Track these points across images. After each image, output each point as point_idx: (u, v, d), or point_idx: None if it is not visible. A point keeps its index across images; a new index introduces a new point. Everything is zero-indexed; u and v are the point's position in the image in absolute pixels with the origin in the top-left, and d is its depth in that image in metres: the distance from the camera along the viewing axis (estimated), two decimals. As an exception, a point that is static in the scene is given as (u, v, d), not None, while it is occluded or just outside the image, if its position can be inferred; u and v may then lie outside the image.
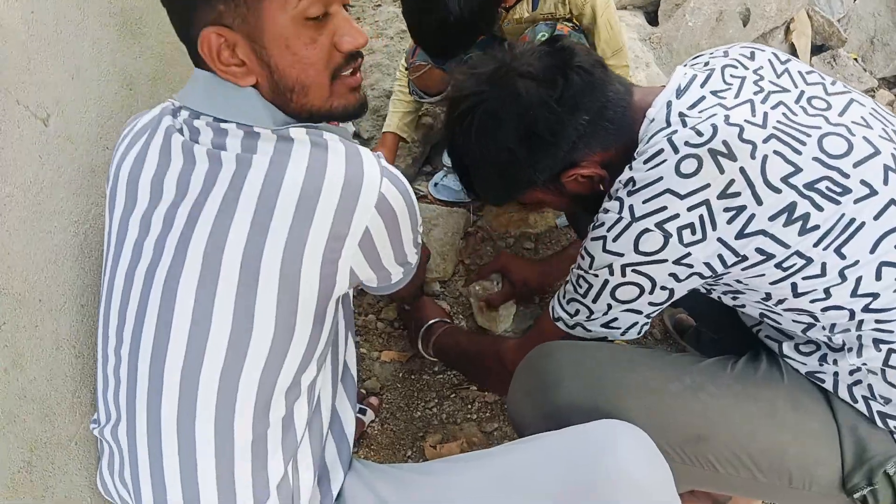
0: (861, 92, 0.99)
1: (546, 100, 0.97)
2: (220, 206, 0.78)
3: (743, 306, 1.00)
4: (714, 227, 0.86)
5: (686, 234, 0.87)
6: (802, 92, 0.94)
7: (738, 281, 0.92)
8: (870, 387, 0.89)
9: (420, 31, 1.36)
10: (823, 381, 0.93)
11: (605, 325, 1.03)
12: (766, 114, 0.89)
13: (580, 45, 1.05)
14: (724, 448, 0.93)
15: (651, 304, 0.97)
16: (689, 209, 0.86)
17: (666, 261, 0.90)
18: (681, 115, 0.93)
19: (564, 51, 1.01)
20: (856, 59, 2.49)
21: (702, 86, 0.96)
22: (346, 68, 0.86)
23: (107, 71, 1.16)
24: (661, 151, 0.90)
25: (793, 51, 2.27)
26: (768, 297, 0.91)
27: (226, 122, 0.82)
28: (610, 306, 0.99)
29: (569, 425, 0.91)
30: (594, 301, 0.99)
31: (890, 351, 0.86)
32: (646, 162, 0.91)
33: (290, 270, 0.77)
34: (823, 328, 0.90)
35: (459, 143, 1.08)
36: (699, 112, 0.92)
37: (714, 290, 1.00)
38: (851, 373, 0.90)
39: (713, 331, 1.47)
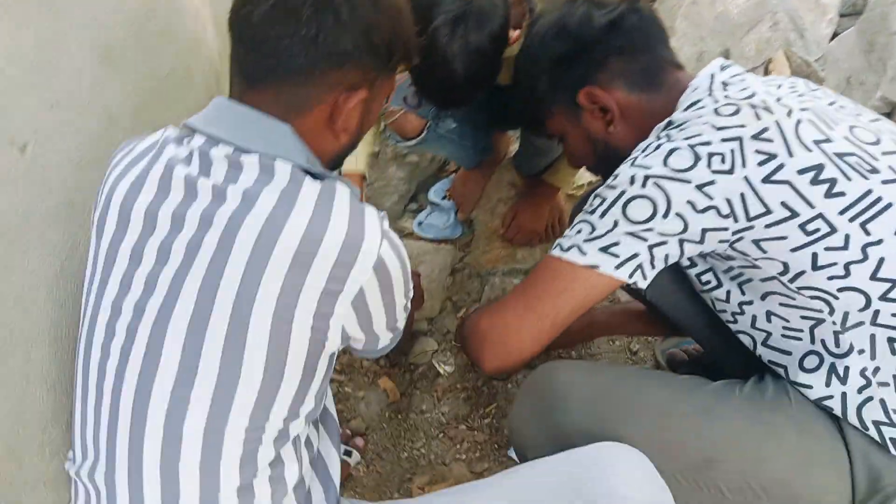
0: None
1: (591, 12, 1.07)
2: (217, 245, 0.75)
3: (750, 303, 0.96)
4: (744, 165, 0.87)
5: (715, 161, 0.88)
6: (835, 101, 0.99)
7: (758, 245, 0.89)
8: (882, 403, 0.86)
9: (425, 86, 1.34)
10: (832, 409, 0.89)
11: (603, 250, 0.93)
12: (802, 98, 0.95)
13: (652, 10, 1.12)
14: (733, 473, 0.90)
15: (660, 234, 0.91)
16: (723, 140, 0.89)
17: (689, 182, 0.88)
18: (723, 83, 0.98)
19: None
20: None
21: (745, 70, 1.01)
22: None
23: (87, 104, 1.14)
24: (700, 100, 0.95)
25: (770, 89, 2.32)
26: (785, 269, 0.89)
27: (249, 152, 0.79)
28: (616, 223, 0.92)
29: (573, 448, 0.88)
30: (602, 216, 0.94)
31: None
32: (685, 109, 0.96)
33: (281, 320, 0.74)
34: (834, 322, 0.88)
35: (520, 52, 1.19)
36: (741, 81, 0.97)
37: (729, 268, 0.96)
38: (860, 390, 0.87)
39: (712, 353, 1.43)
